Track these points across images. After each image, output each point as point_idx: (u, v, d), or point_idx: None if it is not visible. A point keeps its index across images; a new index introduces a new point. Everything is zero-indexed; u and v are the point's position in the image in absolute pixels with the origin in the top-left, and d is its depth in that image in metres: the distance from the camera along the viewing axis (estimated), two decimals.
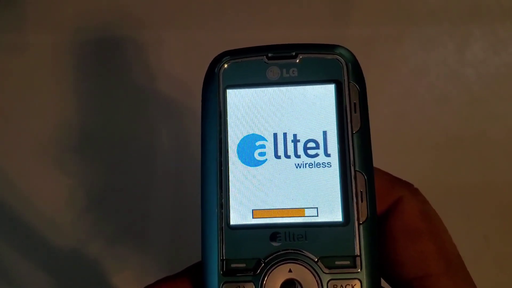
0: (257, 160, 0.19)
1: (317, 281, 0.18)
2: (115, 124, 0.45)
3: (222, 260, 0.19)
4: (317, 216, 0.19)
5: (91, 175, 0.44)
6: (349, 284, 0.18)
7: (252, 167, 0.19)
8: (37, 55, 0.44)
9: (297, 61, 0.20)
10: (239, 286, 0.18)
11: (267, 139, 0.19)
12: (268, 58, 0.20)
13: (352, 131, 0.19)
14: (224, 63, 0.20)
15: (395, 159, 0.44)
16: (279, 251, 0.18)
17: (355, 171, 0.19)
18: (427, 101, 0.44)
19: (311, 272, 0.18)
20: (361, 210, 0.19)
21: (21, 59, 0.44)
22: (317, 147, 0.19)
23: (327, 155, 0.19)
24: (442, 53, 0.44)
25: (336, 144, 0.19)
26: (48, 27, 0.44)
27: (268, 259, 0.18)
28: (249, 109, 0.20)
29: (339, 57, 0.20)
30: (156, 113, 0.44)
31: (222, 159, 0.19)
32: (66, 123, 0.44)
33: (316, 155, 0.19)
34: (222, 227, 0.19)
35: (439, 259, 0.20)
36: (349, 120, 0.19)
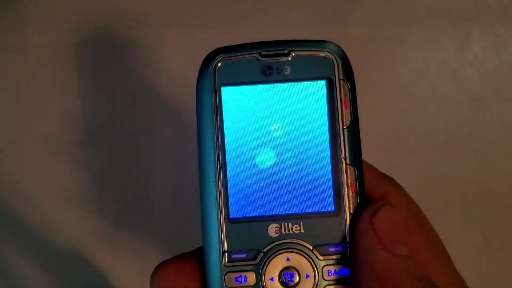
0: (254, 158, 0.20)
1: (312, 267, 0.20)
2: (115, 124, 0.45)
3: (223, 252, 0.20)
4: (312, 207, 0.20)
5: (89, 173, 0.44)
6: (341, 269, 0.20)
7: (250, 165, 0.20)
8: (38, 55, 0.44)
9: (290, 58, 0.21)
10: (241, 275, 0.20)
11: (263, 137, 0.20)
12: (261, 56, 0.21)
13: (343, 126, 0.20)
14: (218, 61, 0.20)
15: (394, 159, 0.44)
16: (277, 242, 0.20)
17: (346, 164, 0.20)
18: (427, 101, 0.44)
19: (307, 260, 0.20)
20: (352, 200, 0.20)
21: (23, 59, 0.44)
22: (311, 142, 0.20)
23: (321, 149, 0.20)
24: (442, 53, 0.44)
25: (328, 139, 0.20)
26: (49, 27, 0.44)
27: (267, 249, 0.20)
28: (244, 106, 0.20)
29: (330, 54, 0.21)
30: (156, 112, 0.44)
31: (220, 157, 0.20)
32: (64, 125, 0.44)
33: (310, 150, 0.20)
34: (222, 221, 0.20)
35: (427, 247, 0.22)
36: (340, 116, 0.20)
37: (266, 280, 0.20)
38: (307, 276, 0.20)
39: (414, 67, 0.44)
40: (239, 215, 0.20)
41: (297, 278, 0.20)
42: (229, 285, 0.20)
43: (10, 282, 0.44)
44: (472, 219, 0.44)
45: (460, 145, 0.44)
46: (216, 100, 0.20)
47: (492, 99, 0.44)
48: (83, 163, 0.44)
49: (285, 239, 0.20)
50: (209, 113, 0.20)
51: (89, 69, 0.45)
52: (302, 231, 0.20)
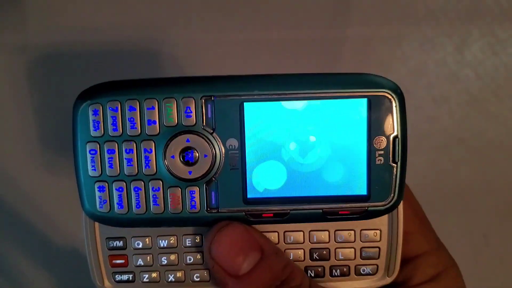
0: None
1: (210, 148, 0.22)
2: None
3: None
4: None
5: None
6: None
7: None
8: (37, 55, 0.44)
9: None
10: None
11: None
12: None
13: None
14: None
15: None
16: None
17: None
18: (426, 101, 0.44)
19: (205, 141, 0.22)
20: None
21: (22, 59, 0.44)
22: None
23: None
24: (441, 54, 0.44)
25: None
26: (48, 28, 0.44)
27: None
28: None
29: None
30: None
31: None
32: (65, 123, 0.44)
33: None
34: None
35: (414, 221, 0.25)
36: None
37: (167, 157, 0.22)
38: (205, 155, 0.22)
39: (413, 67, 0.44)
40: None
41: (196, 156, 0.22)
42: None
43: (10, 282, 0.44)
44: (472, 218, 0.45)
45: (459, 145, 0.44)
46: None
47: (491, 99, 0.44)
48: None
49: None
50: None
51: (89, 69, 0.45)
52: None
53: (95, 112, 0.22)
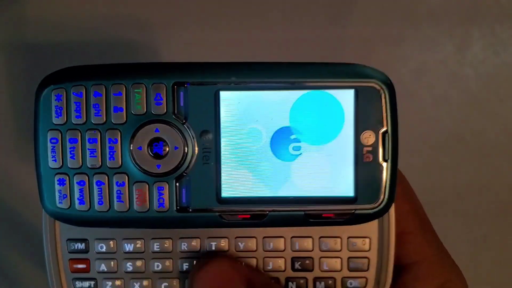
0: None
1: (181, 139, 0.20)
2: None
3: None
4: None
5: None
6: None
7: None
8: (37, 55, 0.44)
9: None
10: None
11: None
12: None
13: None
14: None
15: None
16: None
17: None
18: (427, 101, 0.44)
19: (176, 131, 0.20)
20: None
21: (22, 59, 0.44)
22: None
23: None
24: (441, 54, 0.44)
25: None
26: (47, 28, 0.44)
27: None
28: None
29: None
30: None
31: None
32: None
33: None
34: None
35: (413, 219, 0.23)
36: None
37: (134, 148, 0.20)
38: (176, 148, 0.20)
39: (413, 67, 0.44)
40: None
41: (166, 149, 0.20)
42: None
43: (10, 282, 0.44)
44: (472, 219, 0.44)
45: (459, 145, 0.44)
46: None
47: (492, 99, 0.44)
48: None
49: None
50: None
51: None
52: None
53: (58, 98, 0.20)
